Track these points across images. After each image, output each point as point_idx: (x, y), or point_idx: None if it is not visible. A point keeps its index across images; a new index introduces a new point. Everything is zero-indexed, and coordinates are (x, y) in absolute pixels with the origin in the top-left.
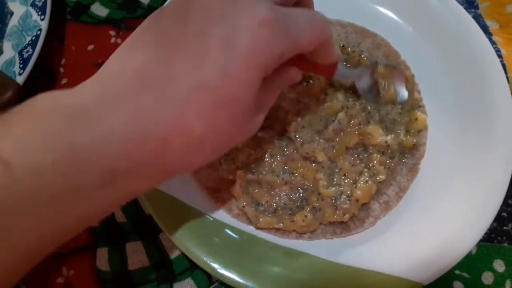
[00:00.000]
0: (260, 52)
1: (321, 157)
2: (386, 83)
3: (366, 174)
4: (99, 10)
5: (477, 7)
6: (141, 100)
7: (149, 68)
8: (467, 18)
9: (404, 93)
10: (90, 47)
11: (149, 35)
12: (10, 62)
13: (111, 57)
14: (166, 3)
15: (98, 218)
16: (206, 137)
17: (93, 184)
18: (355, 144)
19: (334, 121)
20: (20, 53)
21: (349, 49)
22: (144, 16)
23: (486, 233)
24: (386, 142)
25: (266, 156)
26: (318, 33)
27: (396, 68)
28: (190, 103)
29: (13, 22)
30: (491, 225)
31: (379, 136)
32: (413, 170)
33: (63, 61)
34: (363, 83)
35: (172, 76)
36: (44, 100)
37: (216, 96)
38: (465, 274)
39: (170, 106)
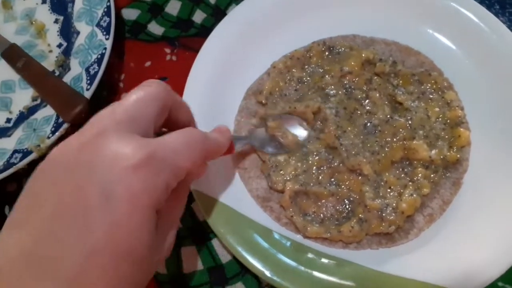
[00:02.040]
0: (142, 195)
1: (366, 170)
2: (281, 133)
3: (411, 187)
4: (155, 29)
5: None
6: (31, 284)
7: (34, 249)
8: (510, 35)
9: (303, 132)
10: (147, 63)
11: (28, 208)
12: (78, 78)
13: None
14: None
15: None
16: None
17: None
18: (400, 159)
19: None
20: (87, 70)
21: (399, 67)
22: (197, 35)
23: None
24: (430, 157)
25: (313, 168)
26: (197, 153)
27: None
28: (87, 275)
29: (80, 41)
30: None
31: (423, 151)
32: (456, 184)
33: (122, 76)
34: (260, 142)
35: (59, 251)
36: None
37: (111, 255)
38: (508, 286)
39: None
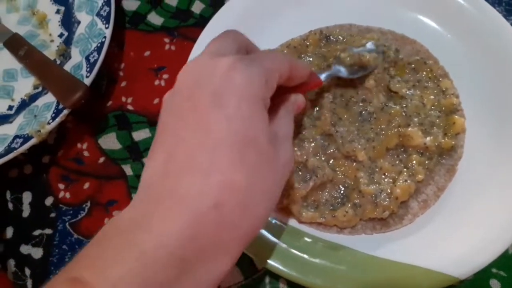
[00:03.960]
0: (246, 86)
1: (361, 156)
2: (358, 56)
3: (405, 173)
4: (155, 19)
5: None
6: (175, 182)
7: (169, 159)
8: (506, 25)
9: (369, 45)
10: (147, 53)
11: (158, 135)
12: (78, 66)
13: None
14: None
15: None
16: (252, 185)
17: (170, 279)
18: (395, 146)
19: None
20: (87, 58)
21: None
22: (195, 25)
23: None
24: (425, 143)
25: (309, 154)
26: (281, 57)
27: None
28: (217, 163)
29: (80, 30)
30: None
31: (418, 138)
32: (451, 171)
33: (122, 65)
34: (345, 71)
35: (191, 154)
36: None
37: (234, 143)
38: (502, 273)
39: (201, 175)
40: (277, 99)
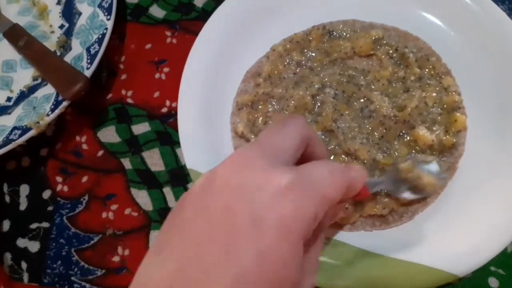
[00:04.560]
0: (293, 222)
1: (363, 155)
2: (415, 176)
3: None
4: (157, 12)
5: None
6: None
7: (179, 274)
8: (509, 23)
9: (433, 167)
10: (148, 46)
11: (173, 234)
12: (79, 58)
13: (140, 265)
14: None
15: None
16: None
17: None
18: (405, 155)
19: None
20: (88, 50)
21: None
22: (197, 18)
23: None
24: (433, 140)
25: None
26: (340, 182)
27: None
28: None
29: (81, 21)
30: None
31: (426, 137)
32: (451, 169)
33: (123, 58)
34: (394, 186)
35: (206, 274)
36: None
37: (260, 282)
38: (500, 271)
39: None
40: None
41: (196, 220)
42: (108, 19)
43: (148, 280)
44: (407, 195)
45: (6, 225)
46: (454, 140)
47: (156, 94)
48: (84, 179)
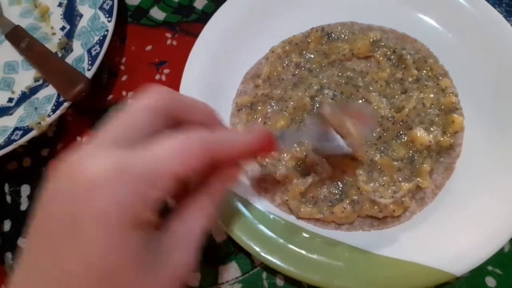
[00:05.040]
0: (109, 214)
1: (360, 156)
2: (342, 125)
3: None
4: (157, 14)
5: None
6: None
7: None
8: (506, 25)
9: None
10: (148, 47)
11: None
12: (80, 59)
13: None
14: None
15: None
16: None
17: None
18: (403, 155)
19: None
20: (89, 51)
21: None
22: (197, 20)
23: None
24: (430, 141)
25: (309, 151)
26: (194, 155)
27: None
28: None
29: (82, 23)
30: None
31: (424, 138)
32: (449, 169)
33: (123, 59)
34: (315, 139)
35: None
36: None
37: (90, 279)
38: (497, 271)
39: None
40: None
41: (34, 239)
42: (109, 21)
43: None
44: (330, 148)
45: (7, 225)
46: (452, 141)
47: None
48: None
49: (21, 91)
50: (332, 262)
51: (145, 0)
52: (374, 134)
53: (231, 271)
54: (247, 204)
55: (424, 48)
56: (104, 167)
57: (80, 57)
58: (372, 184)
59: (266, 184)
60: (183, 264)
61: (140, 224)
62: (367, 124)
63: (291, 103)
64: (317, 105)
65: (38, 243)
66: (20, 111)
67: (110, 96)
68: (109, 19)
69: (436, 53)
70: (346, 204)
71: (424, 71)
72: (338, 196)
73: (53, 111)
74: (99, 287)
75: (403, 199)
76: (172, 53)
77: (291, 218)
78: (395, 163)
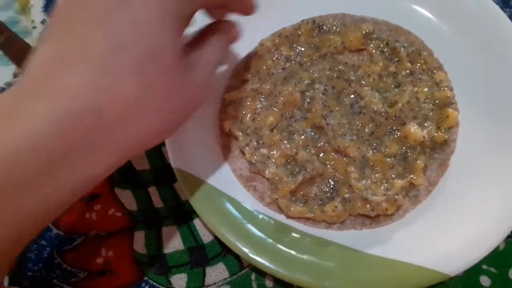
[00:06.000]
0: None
1: (353, 152)
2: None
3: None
4: None
5: None
6: (57, 80)
7: (56, 50)
8: (502, 16)
9: None
10: None
11: (57, 24)
12: None
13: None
14: None
15: (59, 208)
16: (144, 98)
17: (32, 175)
18: (396, 152)
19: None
20: None
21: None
22: None
23: None
24: (424, 137)
25: (299, 147)
26: None
27: None
28: (111, 66)
29: None
30: None
31: (418, 134)
32: (443, 166)
33: None
34: None
35: (81, 45)
36: None
37: (135, 51)
38: (492, 269)
39: (88, 76)
40: (213, 27)
41: (73, 7)
42: None
43: (33, 60)
44: None
45: None
46: (446, 136)
47: None
48: None
49: (0, 87)
50: (323, 263)
51: None
52: (367, 130)
53: (219, 272)
54: (234, 203)
55: (418, 40)
56: None
57: None
58: (364, 181)
59: (255, 182)
60: (203, 78)
61: (183, 19)
62: None
63: (281, 98)
64: (308, 101)
65: (83, 18)
66: None
67: None
68: None
69: (430, 46)
70: (337, 203)
71: (418, 64)
72: (329, 194)
73: None
74: (140, 60)
75: (396, 196)
76: None
77: (281, 218)
78: (387, 159)
